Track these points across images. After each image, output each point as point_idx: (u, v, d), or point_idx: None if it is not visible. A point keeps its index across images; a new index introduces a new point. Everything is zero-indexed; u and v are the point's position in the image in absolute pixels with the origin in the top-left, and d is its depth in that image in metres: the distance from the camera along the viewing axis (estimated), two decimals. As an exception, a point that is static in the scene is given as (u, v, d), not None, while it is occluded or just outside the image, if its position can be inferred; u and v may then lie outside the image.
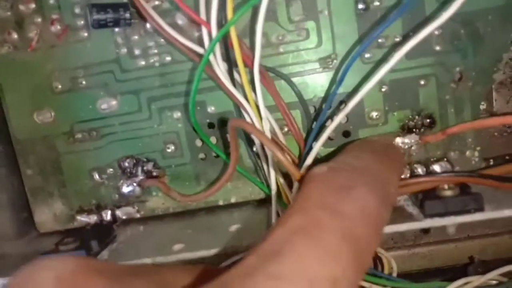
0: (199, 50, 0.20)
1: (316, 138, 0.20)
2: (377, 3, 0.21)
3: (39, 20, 0.22)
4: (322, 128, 0.20)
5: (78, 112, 0.23)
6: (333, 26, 0.21)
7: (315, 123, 0.22)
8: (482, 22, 0.21)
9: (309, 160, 0.19)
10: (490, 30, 0.21)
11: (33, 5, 0.22)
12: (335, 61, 0.21)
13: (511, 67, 0.23)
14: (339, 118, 0.19)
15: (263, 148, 0.21)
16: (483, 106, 0.22)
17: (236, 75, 0.21)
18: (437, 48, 0.21)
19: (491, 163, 0.22)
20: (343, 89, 0.21)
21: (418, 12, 0.21)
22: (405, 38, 0.21)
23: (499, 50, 0.21)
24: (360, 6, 0.21)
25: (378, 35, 0.21)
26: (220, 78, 0.20)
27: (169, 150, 0.23)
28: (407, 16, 0.21)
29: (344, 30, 0.21)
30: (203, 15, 0.20)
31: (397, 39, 0.21)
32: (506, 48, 0.21)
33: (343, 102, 0.21)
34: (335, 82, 0.21)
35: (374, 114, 0.22)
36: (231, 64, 0.20)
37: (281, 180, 0.21)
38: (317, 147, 0.20)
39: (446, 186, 0.18)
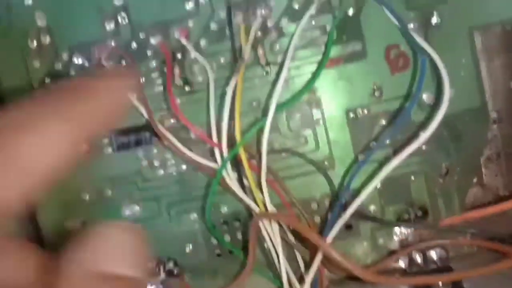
0: (212, 165, 0.22)
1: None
2: (365, 112, 0.23)
3: (68, 140, 0.25)
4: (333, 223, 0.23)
5: (105, 219, 0.25)
6: (328, 133, 0.24)
7: (318, 218, 0.24)
8: (462, 123, 0.23)
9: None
10: (468, 129, 0.23)
11: (63, 128, 0.25)
12: (332, 162, 0.24)
13: (496, 145, 0.25)
14: (348, 214, 0.22)
15: (273, 245, 0.23)
16: (474, 180, 0.24)
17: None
18: (424, 147, 0.23)
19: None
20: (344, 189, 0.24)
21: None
22: (393, 143, 0.23)
23: (479, 146, 0.23)
24: (351, 115, 0.23)
25: (377, 149, 0.23)
26: (231, 187, 0.22)
27: (187, 250, 0.25)
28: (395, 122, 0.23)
29: (338, 136, 0.24)
30: (214, 136, 0.22)
31: (387, 141, 0.23)
32: (484, 144, 0.23)
33: (343, 204, 0.23)
34: (331, 181, 0.24)
35: (372, 208, 0.24)
36: (240, 171, 0.23)
37: (292, 276, 0.23)
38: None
39: (440, 283, 0.20)
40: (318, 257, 0.21)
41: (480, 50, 0.24)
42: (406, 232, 0.24)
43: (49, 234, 0.25)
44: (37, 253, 0.13)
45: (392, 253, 0.24)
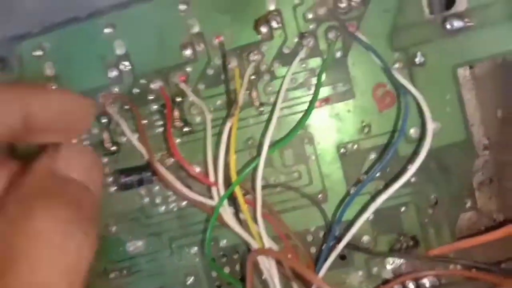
0: (210, 202, 0.24)
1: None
2: (355, 147, 0.24)
3: (75, 179, 0.26)
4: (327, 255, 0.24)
5: (110, 254, 0.26)
6: (320, 167, 0.25)
7: (314, 249, 0.25)
8: (449, 156, 0.24)
9: None
10: (455, 161, 0.24)
11: (70, 168, 0.26)
12: (325, 195, 0.25)
13: (488, 170, 0.26)
14: (341, 246, 0.23)
15: (271, 277, 0.24)
16: (468, 204, 0.25)
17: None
18: (413, 179, 0.24)
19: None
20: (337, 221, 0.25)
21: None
22: (383, 175, 0.24)
23: (466, 177, 0.24)
24: (342, 150, 0.24)
25: (373, 177, 0.24)
26: (228, 223, 0.24)
27: (188, 282, 0.26)
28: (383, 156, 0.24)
29: (330, 170, 0.25)
30: (211, 174, 0.24)
31: (377, 174, 0.24)
32: (471, 175, 0.24)
33: (336, 237, 0.24)
34: (325, 213, 0.25)
35: (365, 238, 0.25)
36: (236, 207, 0.24)
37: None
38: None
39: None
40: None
41: (465, 84, 0.26)
42: (399, 261, 0.25)
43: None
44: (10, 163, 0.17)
45: (386, 282, 0.25)
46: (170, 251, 0.26)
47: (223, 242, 0.26)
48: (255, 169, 0.23)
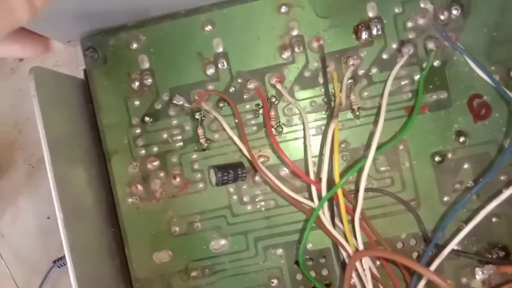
0: (312, 204, 0.24)
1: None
2: (449, 156, 0.25)
3: (162, 175, 0.26)
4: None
5: (193, 252, 0.26)
6: (414, 174, 0.25)
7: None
8: (539, 168, 0.24)
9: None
10: (548, 174, 0.24)
11: (157, 163, 0.26)
12: (418, 203, 0.25)
13: None
14: (440, 259, 0.23)
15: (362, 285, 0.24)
16: None
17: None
18: (504, 190, 0.24)
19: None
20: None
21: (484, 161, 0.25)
22: (476, 182, 0.24)
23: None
24: (436, 158, 0.25)
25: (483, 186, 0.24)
26: (326, 227, 0.23)
27: (273, 284, 0.26)
28: (476, 166, 0.24)
29: (423, 178, 0.25)
30: (311, 172, 0.24)
31: (469, 184, 0.25)
32: None
33: (437, 244, 0.24)
34: (419, 220, 0.25)
35: (456, 247, 0.25)
36: (333, 210, 0.24)
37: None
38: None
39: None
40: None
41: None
42: (488, 273, 0.25)
43: (137, 267, 0.26)
44: None
45: (474, 293, 0.25)
46: (255, 251, 0.26)
47: (310, 246, 0.26)
48: (358, 172, 0.23)
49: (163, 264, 0.26)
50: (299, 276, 0.26)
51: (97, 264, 0.25)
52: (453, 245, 0.22)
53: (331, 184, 0.23)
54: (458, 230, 0.25)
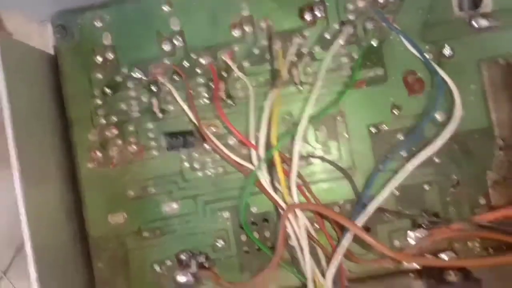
0: (250, 166, 0.25)
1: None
2: (385, 127, 0.26)
3: (120, 142, 0.28)
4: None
5: (146, 214, 0.28)
6: (351, 144, 0.27)
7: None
8: (471, 140, 0.26)
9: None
10: (478, 145, 0.26)
11: (116, 131, 0.28)
12: (354, 171, 0.27)
13: (503, 169, 0.28)
14: (365, 216, 0.24)
15: (298, 241, 0.26)
16: (482, 201, 0.27)
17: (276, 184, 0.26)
18: (437, 160, 0.26)
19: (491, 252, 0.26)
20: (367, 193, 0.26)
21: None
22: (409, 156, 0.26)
23: (487, 161, 0.26)
24: (372, 129, 0.27)
25: (394, 157, 0.26)
26: (264, 187, 0.25)
27: (219, 245, 0.27)
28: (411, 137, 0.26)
29: (360, 147, 0.27)
30: (252, 139, 0.25)
31: (404, 155, 0.26)
32: (491, 159, 0.26)
33: (365, 204, 0.26)
34: (355, 187, 0.26)
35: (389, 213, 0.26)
36: (272, 175, 0.26)
37: (316, 270, 0.25)
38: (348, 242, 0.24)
39: (451, 272, 0.22)
40: (345, 242, 0.23)
41: (487, 81, 0.28)
42: (420, 236, 0.26)
43: (94, 227, 0.28)
44: None
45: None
46: (203, 214, 0.28)
47: (254, 209, 0.27)
48: (293, 138, 0.25)
49: (118, 225, 0.28)
50: (243, 238, 0.28)
51: (55, 224, 0.27)
52: (378, 202, 0.24)
53: (270, 148, 0.25)
54: (392, 195, 0.26)
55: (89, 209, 0.28)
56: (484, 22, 0.26)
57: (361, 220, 0.24)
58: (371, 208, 0.24)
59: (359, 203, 0.25)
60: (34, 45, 0.29)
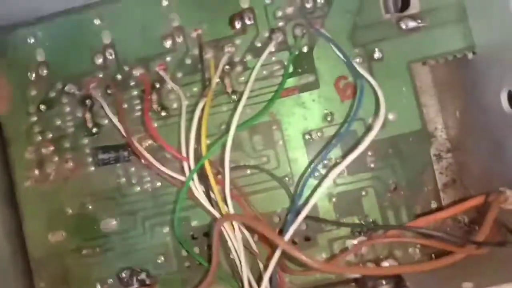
0: (182, 178, 0.25)
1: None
2: (319, 134, 0.26)
3: (56, 159, 0.28)
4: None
5: (85, 232, 0.27)
6: (287, 152, 0.26)
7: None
8: (405, 144, 0.26)
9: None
10: (412, 149, 0.26)
11: (52, 148, 0.28)
12: (291, 178, 0.27)
13: (451, 171, 0.28)
14: (297, 222, 0.24)
15: (236, 251, 0.25)
16: (434, 205, 0.27)
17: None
18: (372, 165, 0.26)
19: (433, 257, 0.26)
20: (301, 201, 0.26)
21: (353, 138, 0.26)
22: (344, 158, 0.26)
23: (422, 164, 0.26)
24: (307, 137, 0.26)
25: (324, 158, 0.26)
26: (198, 199, 0.25)
27: (159, 261, 0.27)
28: (344, 143, 0.26)
29: (296, 155, 0.26)
30: (184, 153, 0.25)
31: (338, 160, 0.26)
32: (427, 162, 0.26)
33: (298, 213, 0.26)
34: (292, 195, 0.26)
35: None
36: (207, 186, 0.26)
37: (253, 283, 0.25)
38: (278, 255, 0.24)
39: (383, 281, 0.22)
40: (276, 256, 0.23)
41: (426, 89, 0.28)
42: (358, 241, 0.26)
43: (34, 246, 0.27)
44: None
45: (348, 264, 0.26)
46: (143, 230, 0.27)
47: (194, 223, 0.27)
48: (224, 149, 0.25)
49: (58, 243, 0.28)
50: (184, 252, 0.27)
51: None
52: (306, 211, 0.24)
53: (200, 158, 0.25)
54: (330, 203, 0.26)
55: (28, 228, 0.28)
56: (412, 23, 0.26)
57: (291, 231, 0.24)
58: (300, 217, 0.24)
59: (292, 211, 0.25)
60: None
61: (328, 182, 0.23)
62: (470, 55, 0.26)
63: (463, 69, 0.27)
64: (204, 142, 0.25)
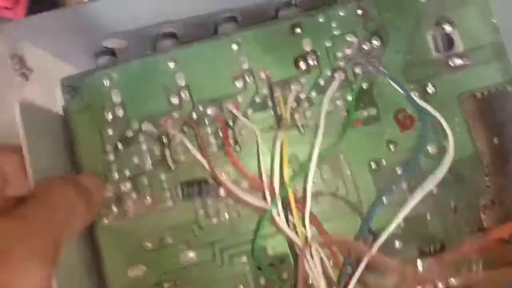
0: (265, 206, 0.27)
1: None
2: (383, 163, 0.29)
3: (134, 196, 0.29)
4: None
5: (164, 265, 0.28)
6: (355, 182, 0.29)
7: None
8: (461, 167, 0.29)
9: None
10: (468, 172, 0.28)
11: (130, 185, 0.29)
12: (361, 205, 0.28)
13: (490, 194, 0.31)
14: (376, 247, 0.26)
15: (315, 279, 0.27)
16: (475, 227, 0.29)
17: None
18: (434, 191, 0.28)
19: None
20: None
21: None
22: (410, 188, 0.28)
23: (478, 185, 0.28)
24: (373, 165, 0.29)
25: (391, 189, 0.28)
26: (279, 224, 0.27)
27: (239, 290, 0.28)
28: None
29: (363, 183, 0.29)
30: (265, 183, 0.27)
31: (404, 187, 0.28)
32: (484, 186, 0.29)
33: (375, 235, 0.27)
34: (363, 221, 0.28)
35: (397, 243, 0.28)
36: (286, 214, 0.27)
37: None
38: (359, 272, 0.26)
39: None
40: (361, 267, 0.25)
41: (467, 113, 0.31)
42: (428, 264, 0.28)
43: (113, 282, 0.28)
44: None
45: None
46: (221, 260, 0.28)
47: (270, 252, 0.28)
48: (305, 177, 0.27)
49: (138, 278, 0.28)
50: (262, 281, 0.28)
51: (76, 281, 0.27)
52: (388, 232, 0.26)
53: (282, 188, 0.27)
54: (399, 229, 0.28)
55: (107, 265, 0.28)
56: (459, 61, 0.30)
57: (373, 250, 0.26)
58: (383, 237, 0.26)
59: (363, 231, 0.27)
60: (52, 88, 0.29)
61: (406, 210, 0.26)
62: (510, 88, 0.29)
63: (504, 99, 0.30)
64: (287, 172, 0.27)
